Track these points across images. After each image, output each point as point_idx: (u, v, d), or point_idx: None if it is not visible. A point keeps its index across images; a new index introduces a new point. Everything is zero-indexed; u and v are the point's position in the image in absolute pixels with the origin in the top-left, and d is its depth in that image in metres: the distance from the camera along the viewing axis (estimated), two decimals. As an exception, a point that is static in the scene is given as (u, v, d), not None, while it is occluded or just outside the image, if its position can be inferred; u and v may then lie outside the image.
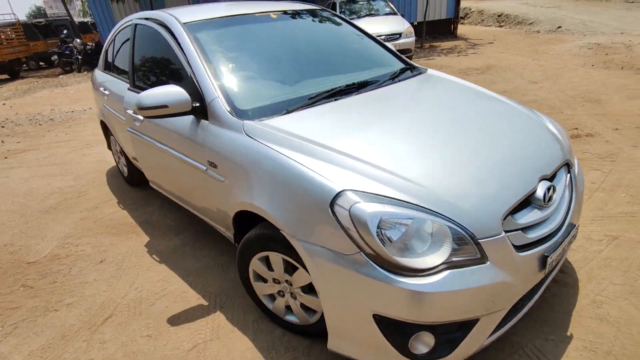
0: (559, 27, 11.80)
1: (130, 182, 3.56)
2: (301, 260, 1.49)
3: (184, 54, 2.03)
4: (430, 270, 1.24)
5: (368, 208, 1.27)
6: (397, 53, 2.62)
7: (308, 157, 1.48)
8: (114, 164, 4.11)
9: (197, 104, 1.84)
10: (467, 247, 1.28)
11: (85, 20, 20.65)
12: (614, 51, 7.57)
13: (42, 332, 2.01)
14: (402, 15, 9.32)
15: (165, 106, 1.75)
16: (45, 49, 14.88)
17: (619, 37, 8.91)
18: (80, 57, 12.64)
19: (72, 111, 7.00)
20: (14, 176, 4.17)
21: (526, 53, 8.54)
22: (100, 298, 2.22)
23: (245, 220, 1.82)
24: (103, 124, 3.61)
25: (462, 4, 16.71)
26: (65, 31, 14.32)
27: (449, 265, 1.26)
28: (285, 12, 2.56)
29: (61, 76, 12.32)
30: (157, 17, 2.39)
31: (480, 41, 11.10)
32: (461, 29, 14.22)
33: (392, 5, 9.79)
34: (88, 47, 13.07)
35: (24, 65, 14.98)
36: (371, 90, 2.06)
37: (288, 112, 1.80)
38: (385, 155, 1.49)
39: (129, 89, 2.63)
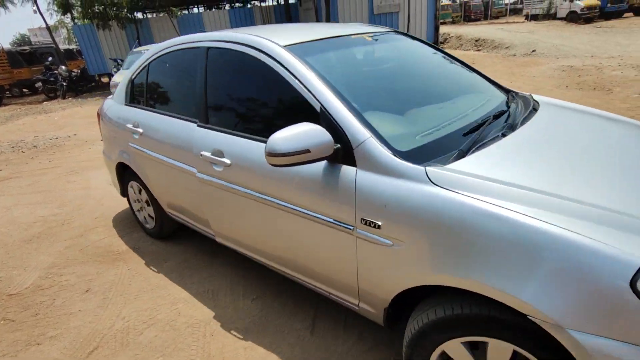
0: (534, 50, 12.39)
1: (158, 235, 3.02)
2: (547, 353, 1.16)
3: (303, 84, 1.64)
4: None
5: None
6: (488, 77, 2.37)
7: (560, 216, 1.12)
8: (100, 190, 4.06)
9: (338, 146, 1.50)
10: None
11: (71, 47, 20.70)
12: (586, 73, 7.97)
13: (23, 367, 1.94)
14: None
15: (307, 151, 1.41)
16: (30, 76, 14.86)
17: (589, 60, 9.40)
18: (65, 83, 12.71)
19: (56, 137, 6.93)
20: (-5, 205, 4.07)
21: (504, 75, 8.90)
22: (85, 329, 2.15)
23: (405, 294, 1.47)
24: (121, 167, 2.99)
25: (441, 30, 17.44)
26: (50, 58, 14.38)
27: None
28: (375, 35, 2.27)
29: (45, 103, 12.23)
30: (239, 40, 1.96)
31: (460, 64, 11.52)
32: (441, 53, 14.75)
33: (374, 32, 10.14)
34: (73, 73, 13.19)
35: (7, 92, 14.89)
36: (525, 122, 1.76)
37: (463, 153, 1.44)
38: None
39: (199, 126, 2.13)
